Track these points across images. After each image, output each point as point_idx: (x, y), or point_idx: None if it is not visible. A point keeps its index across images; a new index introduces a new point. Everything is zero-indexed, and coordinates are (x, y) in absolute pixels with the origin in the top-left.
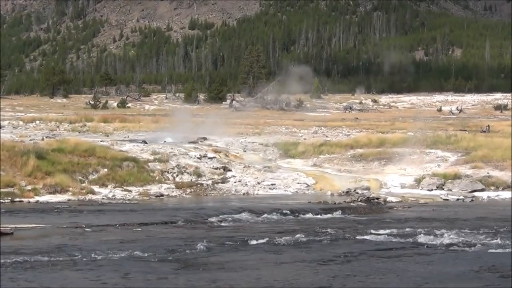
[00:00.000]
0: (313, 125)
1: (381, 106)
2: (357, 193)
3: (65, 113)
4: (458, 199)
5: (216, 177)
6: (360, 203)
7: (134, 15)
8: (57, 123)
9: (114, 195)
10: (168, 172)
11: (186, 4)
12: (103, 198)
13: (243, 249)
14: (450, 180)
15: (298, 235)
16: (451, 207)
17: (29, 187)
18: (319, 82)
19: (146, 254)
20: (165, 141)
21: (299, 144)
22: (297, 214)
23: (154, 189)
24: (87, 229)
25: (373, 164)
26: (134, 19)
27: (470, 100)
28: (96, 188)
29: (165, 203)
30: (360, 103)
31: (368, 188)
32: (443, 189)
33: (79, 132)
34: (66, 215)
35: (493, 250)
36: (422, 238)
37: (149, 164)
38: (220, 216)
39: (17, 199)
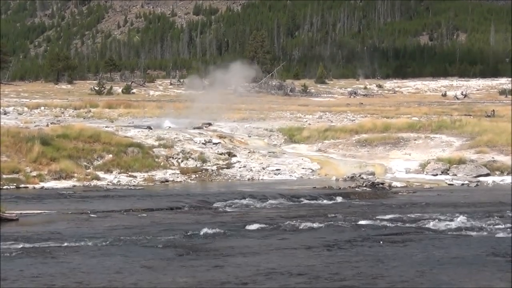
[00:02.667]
0: (318, 110)
1: (386, 91)
2: (362, 178)
3: (69, 99)
4: (463, 184)
5: (221, 162)
6: (365, 188)
7: (138, 1)
8: (62, 109)
9: (119, 181)
10: (173, 157)
11: None
12: (108, 184)
13: (248, 235)
14: (455, 165)
15: (302, 221)
16: (456, 192)
17: (34, 173)
18: (323, 67)
19: (151, 240)
20: (169, 127)
21: (304, 130)
22: (302, 199)
23: (159, 174)
24: (92, 215)
25: (378, 149)
26: (139, 4)
27: (474, 85)
28: (101, 174)
29: (170, 189)
30: (365, 88)
31: (373, 173)
32: (448, 174)
33: (84, 118)
34: (71, 201)
35: (499, 235)
36: (427, 223)
37: (154, 149)
38: (225, 201)
39: (22, 185)
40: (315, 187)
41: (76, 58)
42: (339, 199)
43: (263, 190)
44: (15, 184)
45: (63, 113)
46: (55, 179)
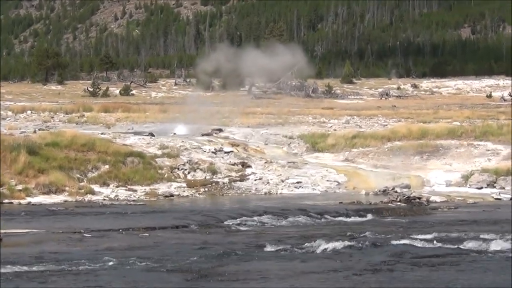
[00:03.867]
0: (345, 114)
1: (422, 92)
2: (396, 192)
3: (60, 101)
4: None
5: (233, 174)
6: (399, 203)
7: None
8: (51, 113)
9: (117, 196)
10: (178, 168)
11: None
12: (104, 199)
13: (265, 257)
14: (502, 177)
15: (328, 241)
16: (504, 208)
17: (19, 187)
18: (350, 64)
19: (154, 263)
20: (174, 133)
21: (328, 136)
22: (326, 216)
23: (162, 188)
24: (86, 235)
25: (413, 158)
26: None
27: None
28: (96, 188)
29: (175, 205)
30: (398, 88)
31: (408, 186)
32: (495, 187)
33: (77, 124)
34: (62, 219)
35: None
36: (470, 244)
37: (157, 159)
38: (238, 219)
39: (7, 201)
40: (341, 202)
41: (67, 55)
42: (369, 216)
43: (282, 205)
44: None
45: (52, 118)
46: (43, 193)
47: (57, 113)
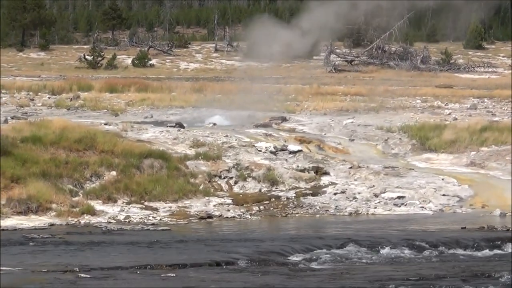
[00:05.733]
0: (470, 96)
1: None
2: None
3: (44, 76)
4: None
5: (302, 185)
6: None
7: None
8: (31, 93)
9: (128, 217)
10: (220, 177)
11: None
12: (109, 222)
13: None
14: None
15: (446, 286)
16: None
17: None
18: (478, 21)
19: None
20: (214, 124)
21: (445, 128)
22: (443, 248)
23: (196, 206)
24: (82, 275)
25: None
26: None
27: None
28: (97, 205)
29: (215, 230)
30: None
31: None
32: None
33: (68, 109)
34: (47, 251)
35: None
36: None
37: (188, 163)
38: (310, 252)
39: None
40: (465, 228)
41: (54, 7)
42: (509, 248)
43: (375, 232)
44: None
45: (33, 100)
46: (19, 213)
47: (40, 94)
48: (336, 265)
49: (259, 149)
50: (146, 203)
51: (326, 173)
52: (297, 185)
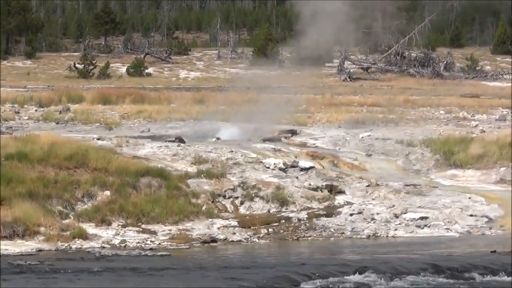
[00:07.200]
0: (499, 106)
1: None
2: None
3: (30, 86)
4: None
5: (315, 205)
6: None
7: None
8: (16, 106)
9: (124, 241)
10: (225, 196)
11: None
12: (103, 247)
13: None
14: None
15: None
16: None
17: None
18: (505, 22)
19: None
20: (218, 138)
21: (472, 142)
22: (471, 275)
23: (199, 228)
24: None
25: None
26: None
27: None
28: (90, 229)
29: (220, 256)
30: None
31: None
32: None
33: (57, 123)
34: (35, 280)
35: None
36: None
37: (190, 181)
38: (324, 279)
39: None
40: (494, 251)
41: (41, 10)
42: None
43: (396, 257)
44: None
45: (18, 113)
46: (4, 237)
47: (26, 106)
48: None
49: (267, 165)
50: (143, 226)
51: (341, 192)
52: (309, 205)
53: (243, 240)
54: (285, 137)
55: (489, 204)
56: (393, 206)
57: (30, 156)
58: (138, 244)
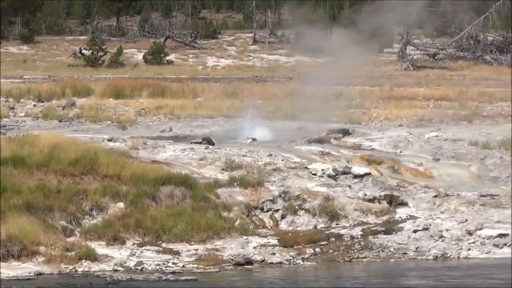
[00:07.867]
0: None
1: None
2: None
3: (28, 77)
4: None
5: (372, 219)
6: None
7: None
8: (11, 100)
9: (140, 263)
10: (262, 209)
11: None
12: (115, 270)
13: None
14: None
15: None
16: None
17: None
18: None
19: None
20: (254, 139)
21: None
22: None
23: (231, 248)
24: None
25: None
26: None
27: None
28: (99, 248)
29: (256, 280)
30: None
31: None
32: None
33: (60, 121)
34: None
35: None
36: None
37: (219, 191)
38: None
39: None
40: None
41: None
42: None
43: (469, 282)
44: None
45: (13, 109)
46: None
47: (22, 101)
48: None
49: (313, 172)
50: (164, 244)
51: (403, 204)
52: (364, 220)
53: (285, 261)
54: (335, 138)
55: None
56: (466, 221)
57: (28, 160)
58: (157, 267)
